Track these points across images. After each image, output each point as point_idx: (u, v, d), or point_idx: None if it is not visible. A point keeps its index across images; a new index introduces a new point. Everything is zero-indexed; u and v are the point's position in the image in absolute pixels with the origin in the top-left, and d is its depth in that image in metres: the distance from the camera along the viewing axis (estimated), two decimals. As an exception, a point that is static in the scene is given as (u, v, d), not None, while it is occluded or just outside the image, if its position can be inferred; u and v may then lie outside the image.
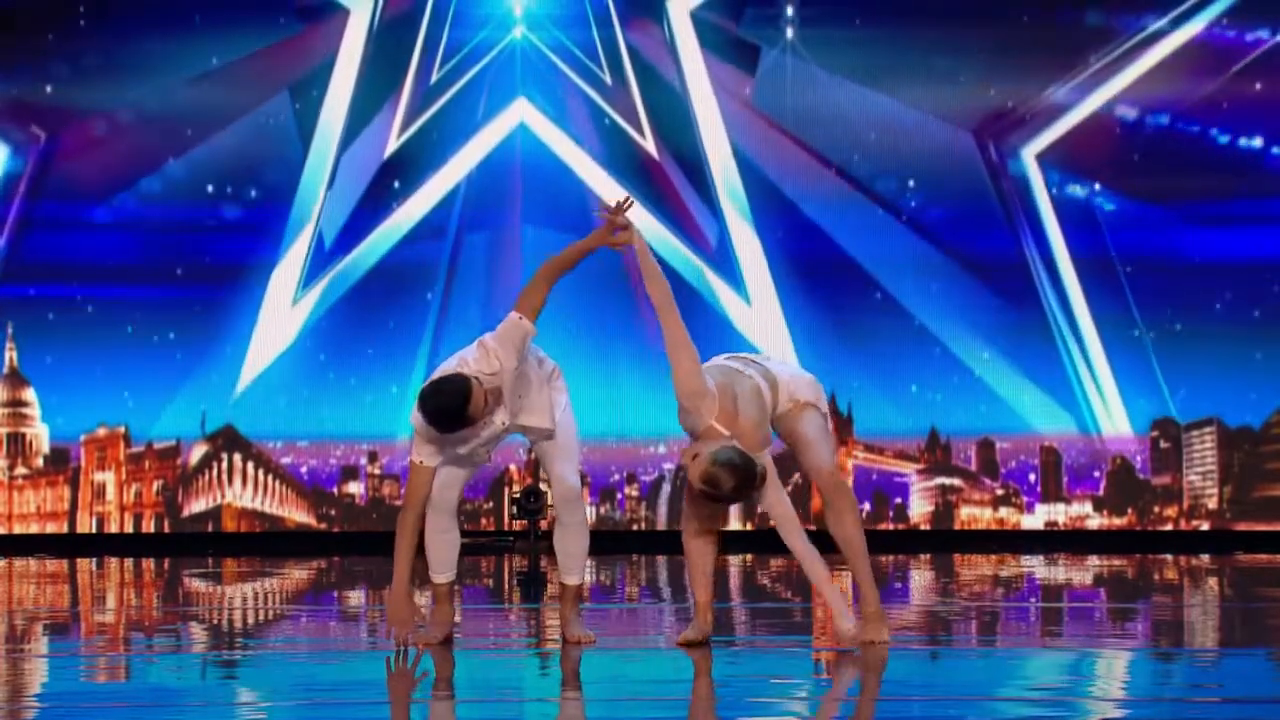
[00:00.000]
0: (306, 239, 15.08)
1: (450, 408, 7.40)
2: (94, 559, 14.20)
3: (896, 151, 15.24)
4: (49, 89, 14.93)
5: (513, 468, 15.08)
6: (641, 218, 15.33)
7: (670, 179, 15.35)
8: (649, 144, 15.34)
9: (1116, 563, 13.64)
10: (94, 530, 15.06)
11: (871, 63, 15.15)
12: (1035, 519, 15.33)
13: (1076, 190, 15.27)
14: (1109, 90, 15.28)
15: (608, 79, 15.21)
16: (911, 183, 15.29)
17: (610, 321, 15.14)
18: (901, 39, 15.15)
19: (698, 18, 15.25)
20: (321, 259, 15.06)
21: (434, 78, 15.18)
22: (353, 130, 15.15)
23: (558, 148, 15.30)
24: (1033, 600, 10.78)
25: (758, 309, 15.20)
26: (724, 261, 15.27)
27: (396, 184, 15.16)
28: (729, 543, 15.08)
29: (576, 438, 7.91)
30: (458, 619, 8.94)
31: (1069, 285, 15.19)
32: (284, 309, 15.07)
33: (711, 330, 15.10)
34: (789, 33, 15.24)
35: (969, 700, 6.51)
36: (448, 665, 7.50)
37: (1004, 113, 15.21)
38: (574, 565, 7.98)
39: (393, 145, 15.20)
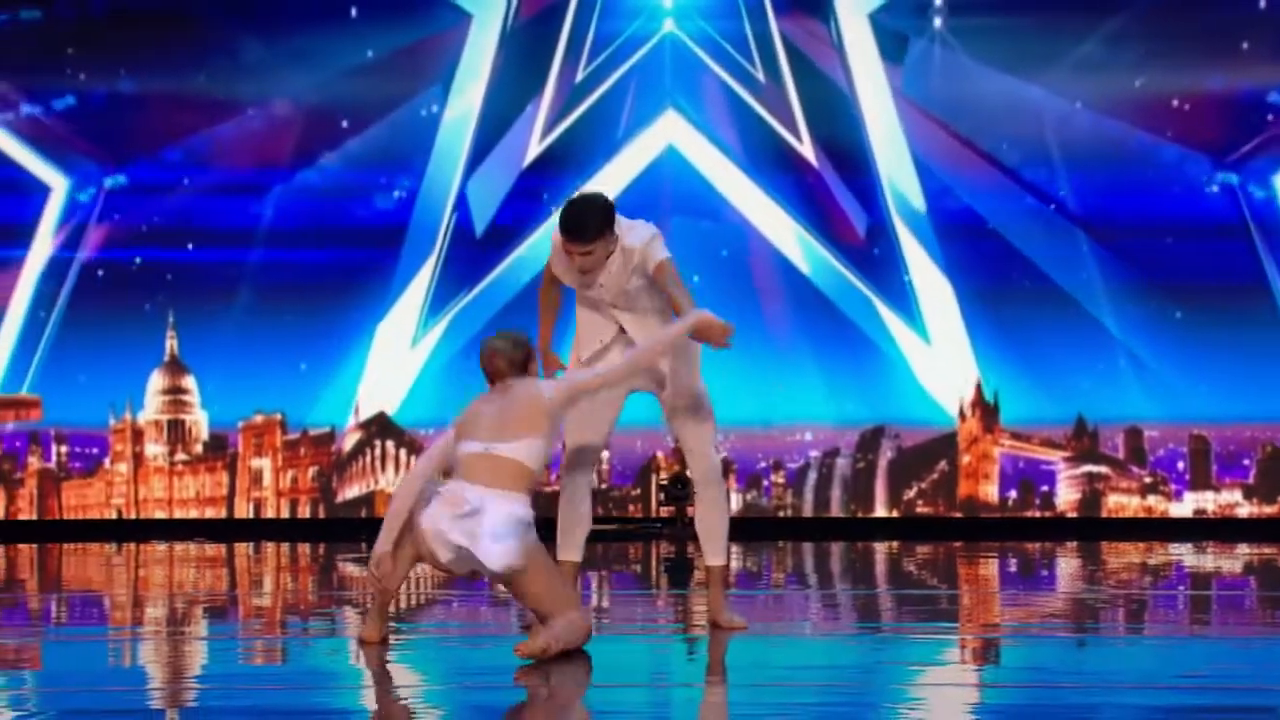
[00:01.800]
0: (454, 232, 15.19)
1: (589, 205, 7.55)
2: (251, 544, 14.41)
3: (1045, 138, 15.14)
4: (206, 81, 15.15)
5: (660, 455, 15.17)
6: (790, 227, 15.31)
7: (830, 187, 15.28)
8: (805, 148, 15.31)
9: (1267, 551, 13.54)
10: (251, 515, 15.27)
11: (1020, 51, 15.05)
12: (1184, 507, 15.21)
13: (1230, 175, 15.12)
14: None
15: (760, 75, 15.20)
16: (1062, 170, 15.20)
17: (756, 309, 15.18)
18: (1051, 27, 15.04)
19: (871, 17, 15.13)
20: (471, 250, 15.16)
21: (579, 75, 15.23)
22: (495, 127, 15.21)
23: (710, 170, 15.20)
24: (1181, 588, 10.74)
25: (930, 326, 15.08)
26: (896, 288, 15.08)
27: (542, 182, 15.21)
28: (874, 529, 15.07)
29: (712, 414, 7.93)
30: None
31: (1213, 267, 15.05)
32: (434, 298, 15.21)
33: (873, 355, 15.04)
34: (937, 22, 15.18)
35: (1117, 688, 6.52)
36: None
37: (1156, 100, 15.08)
38: (717, 546, 7.98)
39: (535, 149, 15.27)
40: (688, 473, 8.56)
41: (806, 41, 15.23)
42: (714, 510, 8.00)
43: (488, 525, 7.10)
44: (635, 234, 7.68)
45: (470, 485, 7.17)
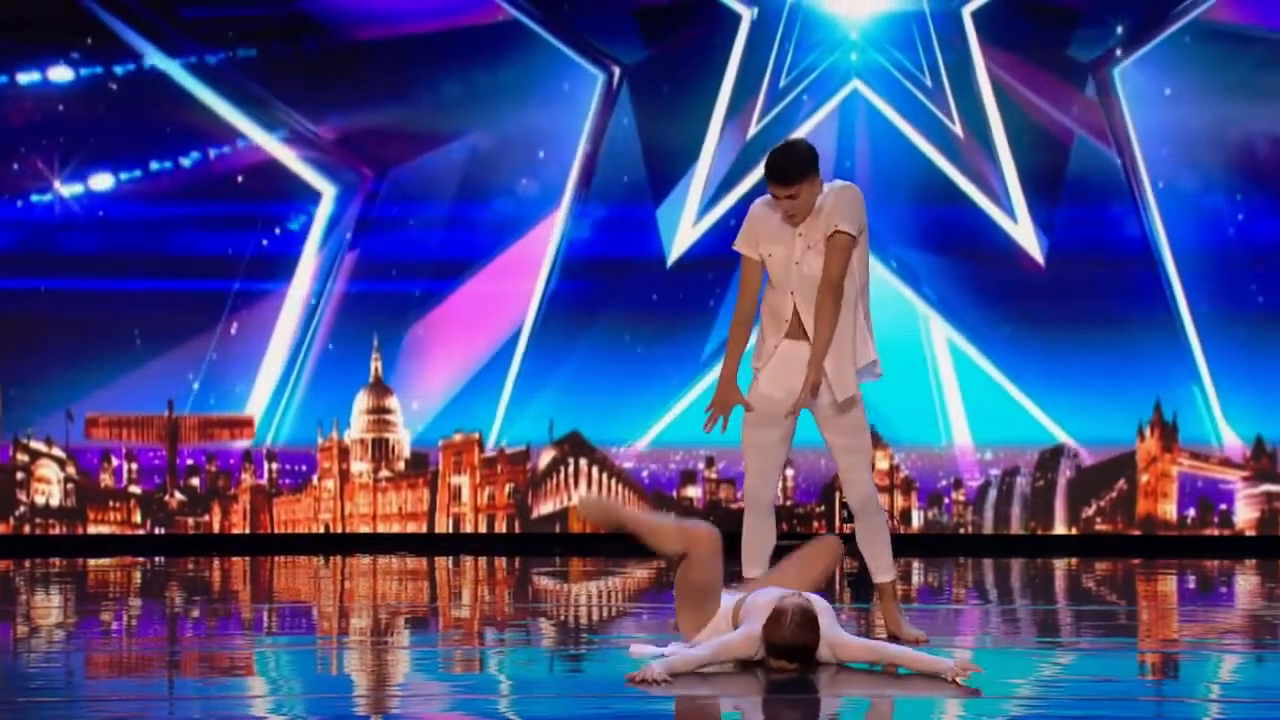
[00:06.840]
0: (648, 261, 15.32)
1: (798, 151, 7.73)
2: (450, 557, 14.66)
3: (1224, 166, 15.04)
4: (410, 115, 15.41)
5: (843, 473, 15.24)
6: (974, 255, 15.38)
7: (1004, 216, 15.25)
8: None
9: None
10: (451, 530, 15.52)
11: (1204, 81, 14.95)
12: (1365, 526, 15.11)
13: None
14: None
15: (960, 130, 15.10)
16: (1238, 196, 15.14)
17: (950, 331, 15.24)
18: (1233, 57, 14.97)
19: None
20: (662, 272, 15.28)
21: (751, 130, 15.21)
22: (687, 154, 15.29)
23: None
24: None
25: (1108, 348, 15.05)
26: (1077, 311, 14.99)
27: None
28: (1053, 546, 15.09)
29: (869, 443, 8.14)
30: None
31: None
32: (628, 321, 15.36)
33: (1051, 377, 15.01)
34: (1118, 52, 15.12)
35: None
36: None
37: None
38: (882, 564, 8.16)
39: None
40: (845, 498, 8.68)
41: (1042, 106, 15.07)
42: (873, 535, 8.16)
43: None
44: (832, 188, 7.85)
45: None
